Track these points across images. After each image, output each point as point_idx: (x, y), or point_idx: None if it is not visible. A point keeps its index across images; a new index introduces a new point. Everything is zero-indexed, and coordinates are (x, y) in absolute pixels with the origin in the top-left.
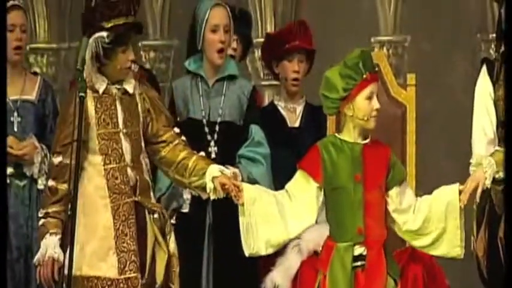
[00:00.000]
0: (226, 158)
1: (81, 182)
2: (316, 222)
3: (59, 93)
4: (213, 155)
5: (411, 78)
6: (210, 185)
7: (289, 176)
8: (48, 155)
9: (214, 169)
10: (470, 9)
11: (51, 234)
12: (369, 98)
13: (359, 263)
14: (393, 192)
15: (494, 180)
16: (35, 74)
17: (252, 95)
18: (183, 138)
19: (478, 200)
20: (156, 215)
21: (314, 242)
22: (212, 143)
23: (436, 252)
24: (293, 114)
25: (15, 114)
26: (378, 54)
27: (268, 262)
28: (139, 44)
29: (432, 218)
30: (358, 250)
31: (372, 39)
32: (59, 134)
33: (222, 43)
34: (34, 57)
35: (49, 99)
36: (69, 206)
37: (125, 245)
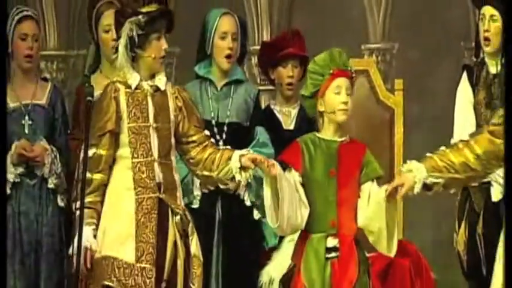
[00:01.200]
0: None
1: (111, 172)
2: None
3: (68, 97)
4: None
5: (399, 83)
6: (236, 165)
7: None
8: (57, 156)
9: (240, 151)
10: (454, 18)
11: (86, 224)
12: (338, 92)
13: (333, 254)
14: (365, 187)
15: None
16: (46, 80)
17: (258, 98)
18: (212, 140)
19: (399, 199)
20: (178, 217)
21: None
22: (221, 142)
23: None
24: (288, 117)
25: (27, 117)
26: (367, 60)
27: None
28: None
29: (372, 217)
30: (332, 242)
31: (362, 47)
32: (92, 127)
33: (230, 49)
34: (45, 64)
35: (58, 104)
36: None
37: (144, 236)
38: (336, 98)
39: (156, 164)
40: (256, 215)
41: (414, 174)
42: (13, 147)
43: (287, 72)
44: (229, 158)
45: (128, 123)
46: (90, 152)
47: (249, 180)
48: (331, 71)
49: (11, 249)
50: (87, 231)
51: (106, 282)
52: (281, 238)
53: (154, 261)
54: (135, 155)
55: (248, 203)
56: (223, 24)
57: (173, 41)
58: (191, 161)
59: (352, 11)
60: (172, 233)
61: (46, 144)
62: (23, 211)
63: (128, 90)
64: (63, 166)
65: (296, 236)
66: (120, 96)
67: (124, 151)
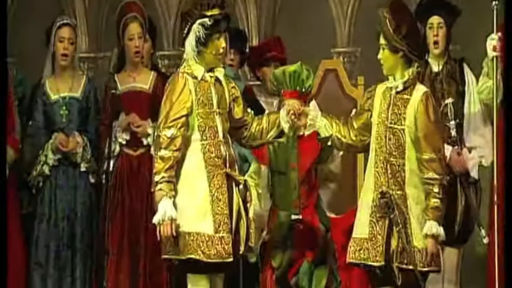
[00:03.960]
0: None
1: (184, 155)
2: None
3: (97, 90)
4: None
5: (360, 79)
6: (286, 126)
7: None
8: (88, 144)
9: (284, 111)
10: None
11: (168, 197)
12: (288, 111)
13: (296, 221)
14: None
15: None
16: (82, 74)
17: (245, 93)
18: (252, 113)
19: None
20: (241, 186)
21: None
22: None
23: None
24: (271, 106)
25: (64, 108)
26: (336, 61)
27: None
28: (157, 54)
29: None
30: (295, 216)
31: (332, 50)
32: (168, 111)
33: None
34: (78, 64)
35: (91, 96)
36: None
37: (219, 208)
38: (287, 115)
39: (221, 144)
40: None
41: (310, 116)
42: (53, 137)
43: (270, 71)
44: (279, 122)
45: (197, 109)
46: (168, 133)
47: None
48: (282, 91)
49: (47, 214)
50: (169, 203)
51: (193, 256)
52: None
53: (230, 229)
54: (204, 137)
55: (245, 177)
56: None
57: (181, 45)
58: (243, 138)
59: (324, 22)
60: (237, 202)
61: (78, 136)
62: (59, 185)
63: (194, 80)
64: (93, 150)
65: None
66: (189, 86)
67: (195, 134)
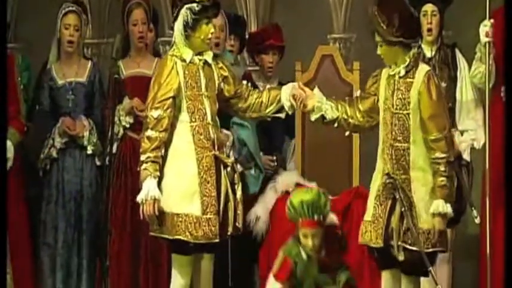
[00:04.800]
0: (222, 124)
1: (171, 136)
2: (286, 169)
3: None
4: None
5: (356, 65)
6: (287, 104)
7: (268, 138)
8: (94, 128)
9: (287, 88)
10: None
11: (152, 177)
12: (305, 236)
13: None
14: None
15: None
16: (87, 59)
17: (243, 78)
18: (249, 84)
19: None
20: (229, 169)
21: (285, 184)
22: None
23: None
24: None
25: (70, 92)
26: (332, 47)
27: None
28: (158, 40)
29: None
30: None
31: (328, 36)
32: (156, 93)
33: (217, 38)
34: (83, 50)
35: (96, 80)
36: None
37: (207, 190)
38: (303, 240)
39: (210, 127)
40: (239, 168)
41: (318, 99)
42: (60, 121)
43: (268, 58)
44: (279, 98)
45: (185, 91)
46: (155, 114)
47: (233, 141)
48: (300, 219)
49: (55, 195)
50: (153, 183)
51: (180, 237)
52: (262, 186)
53: (217, 210)
54: (193, 119)
55: (232, 159)
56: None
57: None
58: (241, 109)
59: (321, 8)
60: (225, 184)
61: (85, 120)
62: (66, 167)
63: (183, 63)
64: (99, 133)
65: (276, 183)
66: (178, 68)
67: (183, 116)
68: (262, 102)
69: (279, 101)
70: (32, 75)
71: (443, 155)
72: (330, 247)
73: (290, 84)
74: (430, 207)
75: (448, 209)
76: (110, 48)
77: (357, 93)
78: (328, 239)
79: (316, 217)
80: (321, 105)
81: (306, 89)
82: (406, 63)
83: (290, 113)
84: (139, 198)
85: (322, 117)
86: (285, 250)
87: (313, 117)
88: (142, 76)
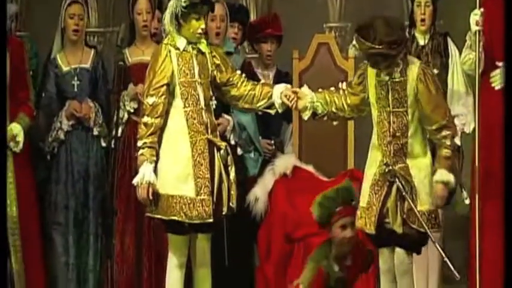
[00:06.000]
0: (223, 109)
1: (166, 121)
2: (284, 152)
3: (106, 62)
4: (213, 107)
5: (351, 52)
6: (278, 101)
7: (267, 123)
8: (99, 110)
9: (278, 88)
10: (392, 5)
11: (149, 162)
12: (344, 227)
13: None
14: None
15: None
16: (91, 47)
17: (243, 66)
18: (243, 75)
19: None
20: (222, 151)
21: (283, 166)
22: (213, 98)
23: None
24: (267, 78)
25: (75, 78)
26: (328, 36)
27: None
28: (162, 29)
29: None
30: None
31: (324, 25)
32: (151, 80)
33: (218, 28)
34: (88, 38)
35: (100, 67)
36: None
37: (200, 172)
38: (341, 233)
39: (203, 111)
40: (239, 151)
41: (308, 99)
42: (67, 104)
43: (267, 47)
44: (271, 95)
45: (179, 78)
46: (150, 100)
47: (234, 126)
48: (337, 209)
49: (65, 176)
50: (149, 168)
51: (175, 218)
52: (261, 168)
53: (211, 192)
54: (187, 105)
55: (233, 142)
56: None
57: None
58: (233, 98)
59: None
60: (218, 165)
61: (91, 102)
62: (74, 149)
63: (177, 51)
64: (104, 116)
65: (274, 166)
66: (171, 56)
67: (177, 102)
68: (254, 95)
69: (270, 97)
70: (40, 62)
71: (448, 132)
72: (356, 260)
73: (282, 85)
74: (429, 189)
75: (451, 177)
76: (115, 37)
77: (343, 85)
78: (355, 252)
79: (353, 202)
80: (312, 103)
81: (297, 89)
82: (400, 68)
83: (280, 111)
84: (134, 181)
85: (313, 113)
86: (314, 259)
87: (305, 116)
88: (147, 63)
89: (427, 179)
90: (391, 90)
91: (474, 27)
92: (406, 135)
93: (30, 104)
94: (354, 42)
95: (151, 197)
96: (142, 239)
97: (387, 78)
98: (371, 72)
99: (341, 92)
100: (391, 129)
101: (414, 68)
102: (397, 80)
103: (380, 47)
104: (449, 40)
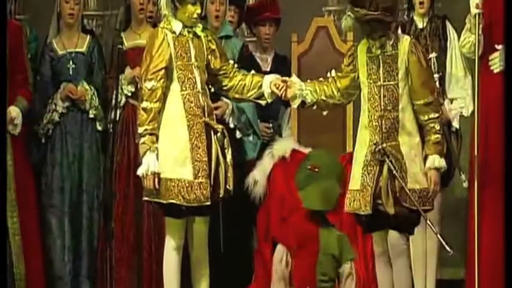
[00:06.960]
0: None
1: (164, 105)
2: (282, 136)
3: (104, 46)
4: (212, 90)
5: (350, 35)
6: (268, 91)
7: (265, 106)
8: (95, 93)
9: (268, 77)
10: None
11: (151, 151)
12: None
13: None
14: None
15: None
16: (88, 32)
17: (242, 50)
18: (236, 65)
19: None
20: (219, 134)
21: (282, 150)
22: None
23: None
24: (265, 62)
25: (71, 62)
26: (327, 19)
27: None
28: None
29: None
30: None
31: (323, 9)
32: (148, 64)
33: (217, 11)
34: (87, 21)
35: (95, 51)
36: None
37: (198, 155)
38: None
39: (200, 95)
40: (238, 135)
41: (297, 86)
42: (62, 86)
43: (265, 30)
44: (260, 85)
45: (176, 61)
46: (149, 85)
47: (233, 109)
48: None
49: (60, 158)
50: (152, 157)
51: (174, 201)
52: (260, 152)
53: (208, 174)
54: (184, 88)
55: (232, 126)
56: None
57: None
58: (224, 88)
59: None
60: (215, 148)
61: (86, 85)
62: (69, 131)
63: (173, 35)
64: (100, 99)
65: (273, 149)
66: (168, 40)
67: (174, 85)
68: (245, 85)
69: (260, 87)
70: (39, 45)
71: (436, 115)
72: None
73: (272, 75)
74: (419, 167)
75: (442, 163)
76: (113, 20)
77: (332, 73)
78: None
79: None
80: (301, 91)
81: (286, 78)
82: (392, 42)
83: (269, 100)
84: (139, 172)
85: (302, 102)
86: None
87: (294, 105)
88: (143, 47)
89: (418, 158)
90: (383, 63)
91: (474, 10)
92: (396, 109)
93: (28, 87)
94: (349, 12)
95: (157, 186)
96: (142, 221)
97: (379, 52)
98: (362, 49)
99: (330, 79)
100: (382, 104)
101: (405, 42)
102: (388, 53)
103: (376, 13)
104: (447, 23)
